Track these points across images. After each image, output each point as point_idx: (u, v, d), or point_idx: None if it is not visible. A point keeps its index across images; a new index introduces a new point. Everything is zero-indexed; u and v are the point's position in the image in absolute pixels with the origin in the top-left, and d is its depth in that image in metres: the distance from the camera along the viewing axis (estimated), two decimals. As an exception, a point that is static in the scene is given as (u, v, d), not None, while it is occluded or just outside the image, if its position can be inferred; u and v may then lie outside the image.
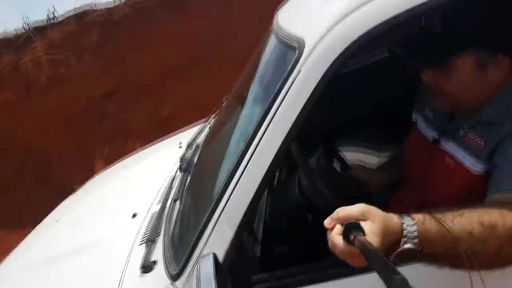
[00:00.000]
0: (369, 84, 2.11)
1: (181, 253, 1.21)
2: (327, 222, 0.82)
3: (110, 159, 5.39)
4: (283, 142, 1.03)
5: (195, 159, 1.74)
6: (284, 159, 1.50)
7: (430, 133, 1.26)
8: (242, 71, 1.78)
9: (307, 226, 1.39)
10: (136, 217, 1.70)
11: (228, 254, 1.07)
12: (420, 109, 1.36)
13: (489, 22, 1.04)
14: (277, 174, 1.69)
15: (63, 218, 2.04)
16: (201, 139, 2.00)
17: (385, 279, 0.65)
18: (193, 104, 5.70)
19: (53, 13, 5.71)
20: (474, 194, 1.04)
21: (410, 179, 1.36)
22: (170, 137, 2.66)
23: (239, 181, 1.07)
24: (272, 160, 1.04)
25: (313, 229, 1.41)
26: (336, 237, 0.78)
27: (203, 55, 5.76)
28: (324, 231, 1.39)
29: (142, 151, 2.62)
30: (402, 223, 0.80)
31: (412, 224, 0.80)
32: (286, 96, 1.02)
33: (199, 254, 1.10)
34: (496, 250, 0.83)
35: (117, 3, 5.81)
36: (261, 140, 1.05)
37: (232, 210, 1.08)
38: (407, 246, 0.79)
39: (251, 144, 1.07)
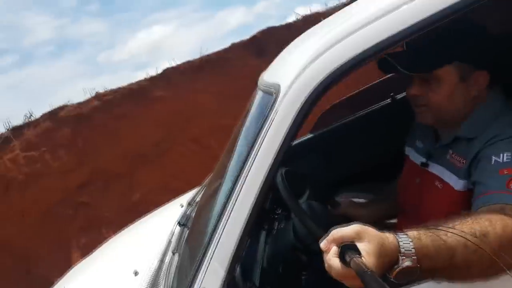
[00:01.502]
0: (357, 136, 2.21)
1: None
2: (323, 245, 0.81)
3: (87, 249, 5.41)
4: (263, 182, 1.08)
5: (193, 214, 1.79)
6: (280, 205, 1.56)
7: (419, 159, 1.34)
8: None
9: (303, 269, 1.40)
10: (138, 274, 1.73)
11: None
12: (411, 142, 1.45)
13: (472, 39, 1.14)
14: (276, 223, 1.73)
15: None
16: (199, 196, 2.05)
17: None
18: (162, 188, 5.79)
19: (30, 114, 5.97)
20: (458, 211, 1.06)
21: (405, 208, 1.40)
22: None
23: (228, 221, 1.12)
24: (256, 196, 1.09)
25: (308, 270, 1.43)
26: (332, 259, 0.78)
27: (168, 140, 5.97)
28: (320, 273, 1.41)
29: (146, 215, 2.67)
30: (398, 241, 0.80)
31: (408, 241, 0.80)
32: (267, 135, 1.09)
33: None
34: (491, 258, 0.83)
35: (87, 96, 6.08)
36: (246, 179, 1.11)
37: (221, 250, 1.12)
38: (406, 264, 0.79)
39: (233, 190, 1.13)
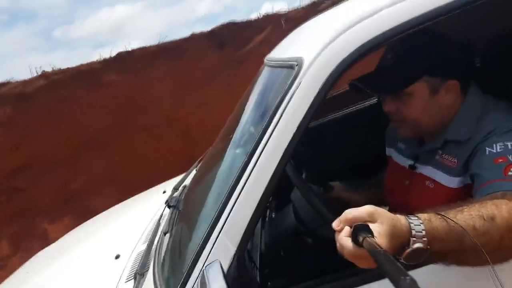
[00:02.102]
0: (348, 131, 2.22)
1: (176, 276, 1.17)
2: (335, 224, 0.81)
3: (17, 239, 5.14)
4: (284, 153, 1.05)
5: (183, 197, 1.73)
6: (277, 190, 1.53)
7: (405, 162, 1.36)
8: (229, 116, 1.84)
9: (308, 251, 1.38)
10: (119, 258, 1.65)
11: (230, 267, 1.04)
12: (392, 143, 1.48)
13: (436, 52, 1.18)
14: (267, 211, 1.70)
15: (41, 268, 1.94)
16: (187, 181, 1.99)
17: (394, 281, 0.64)
18: (105, 178, 5.60)
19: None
20: None
21: (392, 207, 1.41)
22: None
23: (240, 196, 1.07)
24: (274, 172, 1.05)
25: (313, 252, 1.41)
26: (344, 239, 0.78)
27: (117, 127, 5.74)
28: (323, 255, 1.39)
29: (125, 201, 2.57)
30: (410, 223, 0.80)
31: (419, 223, 0.81)
32: (288, 107, 1.06)
33: (199, 272, 1.06)
34: (499, 241, 0.84)
35: (34, 74, 5.79)
36: (263, 151, 1.07)
37: (233, 225, 1.07)
38: (417, 245, 0.79)
39: (250, 160, 1.08)
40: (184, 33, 6.64)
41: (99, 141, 5.70)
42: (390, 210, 1.42)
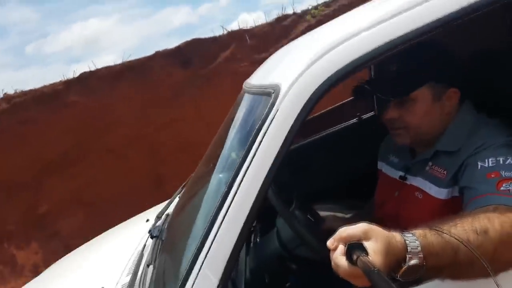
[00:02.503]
0: (341, 149, 2.23)
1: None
2: (330, 243, 0.80)
3: None
4: (265, 179, 1.04)
5: (166, 226, 1.70)
6: (260, 217, 1.52)
7: (396, 174, 1.37)
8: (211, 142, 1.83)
9: (293, 277, 1.36)
10: (103, 291, 1.61)
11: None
12: (384, 157, 1.50)
13: (440, 59, 1.21)
14: (252, 235, 1.69)
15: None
16: (170, 209, 1.96)
17: None
18: (72, 200, 5.49)
19: None
20: (440, 219, 1.10)
21: (383, 220, 1.39)
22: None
23: (221, 225, 1.06)
24: (255, 199, 1.04)
25: (298, 278, 1.39)
26: (339, 258, 0.77)
27: (81, 148, 5.61)
28: (308, 280, 1.38)
29: (109, 230, 2.52)
30: (405, 240, 0.80)
31: (414, 239, 0.80)
32: (267, 134, 1.06)
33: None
34: (492, 254, 0.84)
35: None
36: (243, 179, 1.06)
37: (214, 257, 1.06)
38: (413, 262, 0.78)
39: (231, 189, 1.07)
40: (161, 45, 6.56)
41: (63, 163, 5.55)
42: (379, 223, 1.44)
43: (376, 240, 0.77)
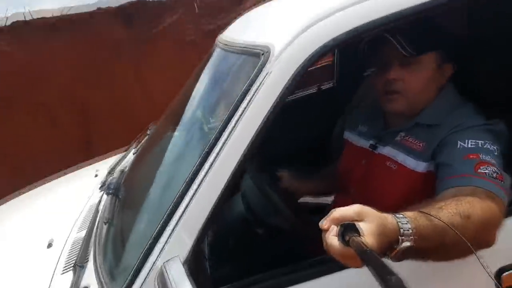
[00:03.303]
0: (299, 117, 2.23)
1: (123, 270, 1.10)
2: (322, 223, 0.80)
3: None
4: (251, 142, 1.02)
5: (122, 182, 1.62)
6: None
7: (366, 142, 1.38)
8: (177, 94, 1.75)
9: (257, 240, 1.36)
10: (52, 246, 1.52)
11: (187, 262, 0.99)
12: (352, 127, 1.49)
13: (448, 32, 1.23)
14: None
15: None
16: (124, 164, 1.88)
17: (381, 280, 0.64)
18: None
19: None
20: (415, 191, 1.16)
21: (347, 187, 1.43)
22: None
23: (201, 184, 1.02)
24: (239, 160, 1.02)
25: (263, 243, 1.39)
26: (331, 238, 0.77)
27: (8, 102, 5.34)
28: (275, 245, 1.38)
29: (54, 181, 2.37)
30: (398, 222, 0.81)
31: (406, 222, 0.81)
32: (255, 97, 1.02)
33: (152, 264, 1.01)
34: (473, 237, 0.87)
35: None
36: (226, 142, 1.03)
37: (191, 218, 1.02)
38: (405, 244, 0.79)
39: (213, 148, 1.04)
40: (105, 1, 6.20)
41: None
42: (344, 190, 1.46)
43: (368, 221, 0.77)
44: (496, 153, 1.07)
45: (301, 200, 1.69)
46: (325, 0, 1.13)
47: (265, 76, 1.03)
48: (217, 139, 1.03)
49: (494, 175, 1.01)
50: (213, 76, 1.44)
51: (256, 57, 1.09)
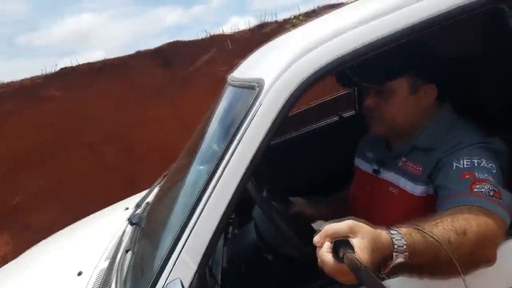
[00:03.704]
0: (309, 148, 2.27)
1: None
2: (316, 239, 0.80)
3: None
4: (246, 171, 1.07)
5: (145, 214, 1.72)
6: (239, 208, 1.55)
7: (370, 167, 1.40)
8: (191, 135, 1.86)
9: (269, 268, 1.39)
10: (81, 275, 1.62)
11: (191, 285, 1.05)
12: (361, 153, 1.53)
13: (421, 55, 1.24)
14: (229, 227, 1.72)
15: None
16: (150, 198, 1.98)
17: None
18: (46, 194, 5.47)
19: None
20: (415, 215, 1.12)
21: (354, 213, 1.44)
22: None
23: (202, 213, 1.09)
24: (235, 189, 1.08)
25: (274, 269, 1.43)
26: (325, 254, 0.77)
27: (57, 143, 5.58)
28: (285, 271, 1.41)
29: (87, 217, 2.52)
30: (391, 237, 0.81)
31: (400, 238, 0.82)
32: (250, 126, 1.09)
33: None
34: (470, 254, 0.88)
35: None
36: (225, 170, 1.09)
37: (194, 243, 1.09)
38: (399, 260, 0.80)
39: (213, 178, 1.10)
40: (149, 45, 6.56)
41: (39, 157, 5.52)
42: (352, 215, 1.48)
43: (362, 237, 0.77)
44: (493, 171, 1.06)
45: (314, 224, 1.72)
46: (312, 33, 1.20)
47: (258, 107, 1.10)
48: (216, 168, 1.10)
49: (491, 193, 1.01)
50: (222, 110, 1.53)
51: (252, 89, 1.17)
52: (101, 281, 1.41)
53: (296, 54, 1.12)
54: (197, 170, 1.40)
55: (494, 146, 1.14)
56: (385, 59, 1.21)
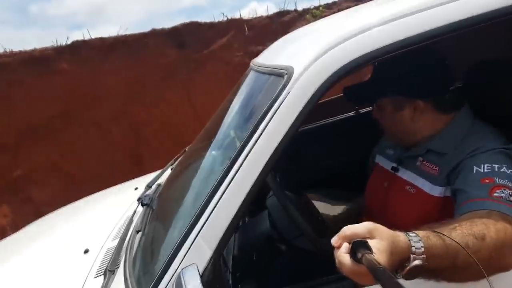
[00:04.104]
0: (326, 141, 2.25)
1: (148, 275, 1.16)
2: (334, 241, 0.80)
3: None
4: (270, 158, 1.05)
5: (157, 195, 1.71)
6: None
7: (389, 165, 1.42)
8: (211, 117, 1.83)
9: (280, 258, 1.38)
10: (88, 252, 1.61)
11: (206, 271, 1.04)
12: (382, 150, 1.54)
13: (404, 73, 1.26)
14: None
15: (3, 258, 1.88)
16: (162, 179, 1.97)
17: None
18: (49, 168, 5.47)
19: None
20: (432, 216, 1.15)
21: (370, 210, 1.46)
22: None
23: (221, 198, 1.07)
24: (257, 178, 1.06)
25: (286, 259, 1.42)
26: (343, 255, 0.77)
27: (65, 118, 5.55)
28: (295, 261, 1.40)
29: (94, 194, 2.51)
30: (409, 240, 0.81)
31: (418, 240, 0.82)
32: (275, 115, 1.07)
33: (174, 272, 1.06)
34: (487, 260, 0.87)
35: None
36: (247, 157, 1.07)
37: (211, 228, 1.07)
38: (416, 262, 0.80)
39: (234, 163, 1.08)
40: (164, 24, 6.48)
41: (46, 131, 5.48)
42: (366, 216, 1.48)
43: (380, 239, 0.78)
44: None
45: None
46: (346, 23, 1.17)
47: (286, 95, 1.08)
48: (239, 154, 1.08)
49: (511, 198, 1.00)
50: (244, 96, 1.50)
51: (280, 76, 1.15)
52: (110, 261, 1.40)
53: (328, 43, 1.09)
54: (215, 155, 1.38)
55: None
56: (372, 81, 1.34)
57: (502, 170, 1.07)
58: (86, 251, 1.62)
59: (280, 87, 1.10)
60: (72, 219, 2.14)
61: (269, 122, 1.07)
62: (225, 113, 1.59)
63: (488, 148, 1.13)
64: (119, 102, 5.76)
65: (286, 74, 1.12)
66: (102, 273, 1.38)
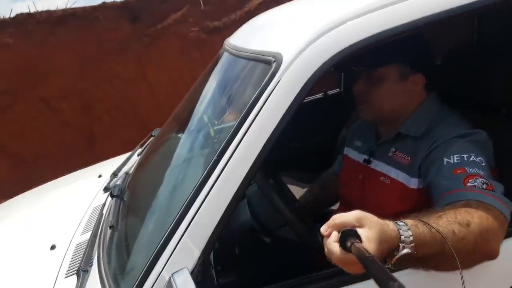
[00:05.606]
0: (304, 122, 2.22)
1: (129, 277, 1.09)
2: (323, 229, 0.80)
3: None
4: (262, 150, 1.00)
5: (126, 185, 1.61)
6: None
7: (361, 157, 1.41)
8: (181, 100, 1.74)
9: (263, 249, 1.34)
10: (55, 249, 1.51)
11: (194, 272, 0.98)
12: (350, 142, 1.53)
13: (411, 45, 1.22)
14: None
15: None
16: (128, 167, 1.86)
17: (383, 286, 0.64)
18: None
19: None
20: (411, 207, 1.16)
21: (345, 200, 1.46)
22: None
23: (209, 194, 1.00)
24: (250, 168, 1.00)
25: (269, 250, 1.38)
26: (332, 244, 0.77)
27: (11, 95, 5.32)
28: (280, 252, 1.37)
29: (54, 181, 2.35)
30: (398, 229, 0.82)
31: (407, 229, 0.82)
32: (265, 105, 1.00)
33: (158, 274, 0.99)
34: (474, 245, 0.88)
35: None
36: (235, 151, 1.00)
37: (199, 227, 1.01)
38: (405, 251, 0.80)
39: (222, 155, 1.01)
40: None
41: None
42: (342, 203, 1.47)
43: (369, 227, 0.78)
44: (483, 164, 1.08)
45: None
46: (335, 8, 1.12)
47: (276, 84, 1.01)
48: (227, 146, 1.01)
49: (484, 186, 1.02)
50: (222, 81, 1.42)
51: (267, 64, 1.08)
52: (82, 259, 1.30)
53: (321, 28, 1.02)
54: (194, 145, 1.31)
55: (480, 138, 1.15)
56: (379, 46, 1.18)
57: (471, 159, 1.08)
58: (52, 247, 1.52)
59: (268, 76, 1.03)
60: (33, 209, 1.99)
61: (257, 114, 1.00)
62: (198, 98, 1.51)
63: (454, 135, 1.15)
64: (69, 79, 5.48)
65: (275, 61, 1.05)
66: (74, 272, 1.29)
